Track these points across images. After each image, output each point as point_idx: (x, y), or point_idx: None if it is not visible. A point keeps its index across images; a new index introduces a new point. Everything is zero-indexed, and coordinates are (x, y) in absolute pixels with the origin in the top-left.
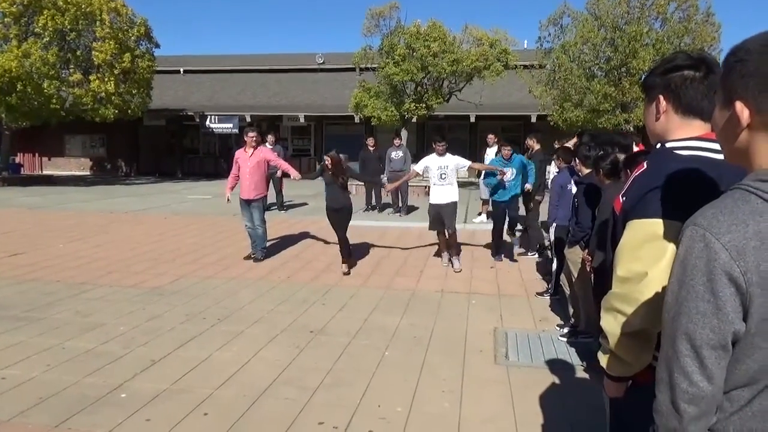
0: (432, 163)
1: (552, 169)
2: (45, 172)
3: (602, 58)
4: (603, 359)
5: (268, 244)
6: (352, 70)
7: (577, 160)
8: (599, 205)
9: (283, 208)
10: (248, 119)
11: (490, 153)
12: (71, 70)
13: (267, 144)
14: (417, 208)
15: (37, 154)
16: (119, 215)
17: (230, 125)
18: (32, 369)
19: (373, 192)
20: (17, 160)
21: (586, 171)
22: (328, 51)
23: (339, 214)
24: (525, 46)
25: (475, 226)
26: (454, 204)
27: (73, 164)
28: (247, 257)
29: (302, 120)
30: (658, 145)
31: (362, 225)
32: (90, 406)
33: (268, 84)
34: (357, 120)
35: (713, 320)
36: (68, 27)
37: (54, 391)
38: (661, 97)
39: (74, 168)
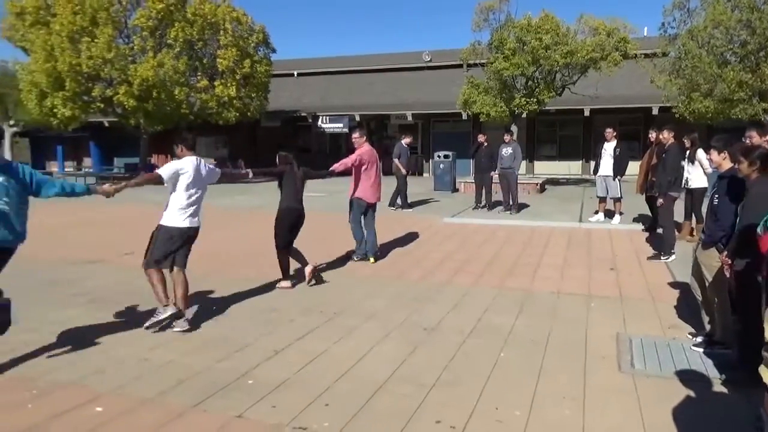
0: None
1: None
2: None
3: (736, 42)
4: (765, 372)
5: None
6: (459, 66)
7: (725, 153)
8: (744, 203)
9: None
10: (357, 118)
11: (608, 148)
12: (198, 77)
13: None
14: (528, 206)
15: (168, 156)
16: (238, 211)
17: (341, 125)
18: (171, 353)
19: (483, 190)
20: (152, 161)
21: (728, 165)
22: (435, 48)
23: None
24: (645, 34)
25: (591, 225)
26: None
27: None
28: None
29: (410, 118)
30: None
31: (472, 223)
32: (221, 390)
33: (376, 83)
34: (464, 117)
35: None
36: (196, 37)
37: (190, 374)
38: None
39: None
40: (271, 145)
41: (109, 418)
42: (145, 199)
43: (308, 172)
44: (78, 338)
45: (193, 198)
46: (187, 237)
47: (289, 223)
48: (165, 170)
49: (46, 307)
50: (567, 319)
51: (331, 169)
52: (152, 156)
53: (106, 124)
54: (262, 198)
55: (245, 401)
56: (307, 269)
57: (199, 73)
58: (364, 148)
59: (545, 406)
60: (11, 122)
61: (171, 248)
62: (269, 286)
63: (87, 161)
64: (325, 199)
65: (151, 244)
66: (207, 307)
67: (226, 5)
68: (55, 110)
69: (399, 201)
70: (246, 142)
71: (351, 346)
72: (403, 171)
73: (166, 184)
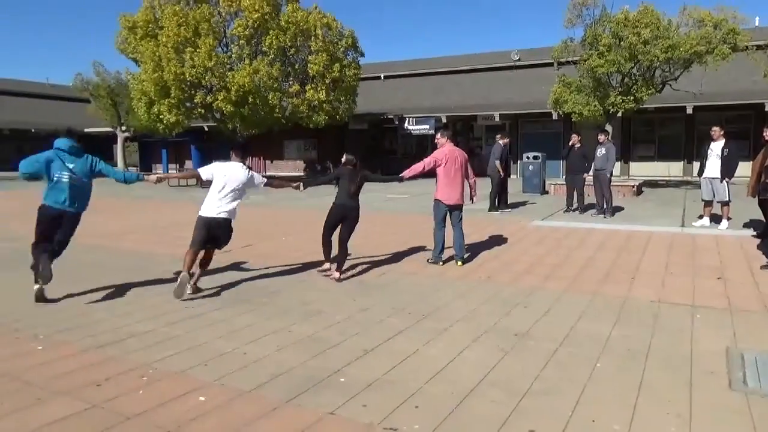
0: None
1: None
2: (268, 173)
3: None
4: None
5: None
6: (549, 65)
7: None
8: None
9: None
10: (444, 120)
11: (715, 148)
12: (290, 82)
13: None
14: (623, 209)
15: (261, 158)
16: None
17: (426, 126)
18: (266, 348)
19: (575, 192)
20: (247, 163)
21: None
22: (524, 47)
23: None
24: (757, 24)
25: (696, 231)
26: None
27: (290, 166)
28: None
29: (497, 119)
30: None
31: (563, 226)
32: (314, 386)
33: (463, 84)
34: (555, 117)
35: None
36: (289, 44)
37: (284, 369)
38: None
39: (290, 169)
40: (359, 147)
41: (211, 407)
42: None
43: (368, 176)
44: (183, 330)
45: (222, 195)
46: (210, 225)
47: (334, 217)
48: (204, 170)
49: (158, 299)
50: (669, 330)
51: (401, 175)
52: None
53: (206, 129)
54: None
55: (337, 399)
56: (324, 266)
57: (291, 79)
58: (442, 149)
59: (647, 422)
60: (123, 128)
61: (200, 233)
62: (359, 287)
63: (188, 164)
64: (408, 201)
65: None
66: (298, 306)
67: (317, 11)
68: (161, 116)
69: (497, 202)
70: (334, 144)
71: (440, 348)
72: (501, 173)
73: (205, 180)
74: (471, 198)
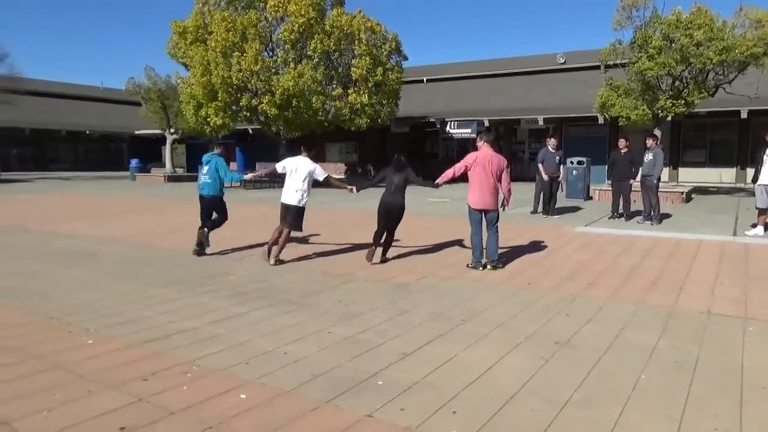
0: None
1: None
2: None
3: None
4: None
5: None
6: (596, 68)
7: None
8: None
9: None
10: (486, 123)
11: None
12: (334, 86)
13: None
14: (670, 216)
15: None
16: (370, 215)
17: (468, 130)
18: (306, 348)
19: (621, 197)
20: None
21: None
22: (570, 50)
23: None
24: None
25: (749, 240)
26: None
27: (332, 168)
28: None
29: (541, 122)
30: None
31: (607, 233)
32: (352, 388)
33: (506, 87)
34: (601, 121)
35: None
36: (333, 48)
37: (323, 370)
38: None
39: (332, 171)
40: (400, 150)
41: (252, 405)
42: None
43: (409, 176)
44: (226, 329)
45: (293, 183)
46: (283, 207)
47: (379, 211)
48: (279, 164)
49: (202, 297)
50: (719, 342)
51: (436, 182)
52: None
53: (251, 131)
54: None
55: (375, 401)
56: (372, 249)
57: (335, 82)
58: (474, 153)
59: None
60: (171, 130)
61: (281, 213)
62: (398, 290)
63: (233, 165)
64: (448, 205)
65: None
66: (337, 307)
67: (361, 16)
68: (208, 119)
69: (542, 206)
70: (375, 147)
71: (479, 354)
72: (544, 176)
73: (280, 173)
74: (502, 205)
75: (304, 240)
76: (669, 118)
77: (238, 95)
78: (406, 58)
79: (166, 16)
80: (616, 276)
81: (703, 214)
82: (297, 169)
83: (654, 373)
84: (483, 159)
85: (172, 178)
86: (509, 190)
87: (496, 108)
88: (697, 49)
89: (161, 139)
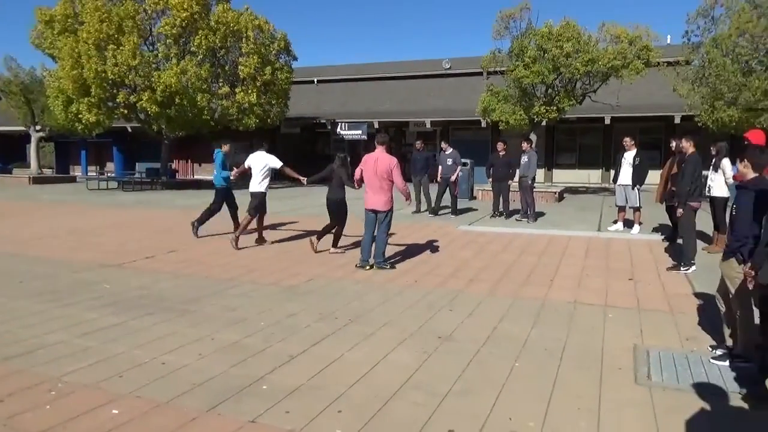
0: None
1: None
2: (196, 177)
3: (762, 50)
4: None
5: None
6: (480, 74)
7: (745, 162)
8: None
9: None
10: (376, 126)
11: (628, 157)
12: (220, 84)
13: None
14: (545, 215)
15: (189, 161)
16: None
17: (359, 132)
18: (187, 357)
19: (501, 198)
20: (173, 166)
21: (752, 175)
22: (455, 56)
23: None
24: (669, 42)
25: (610, 235)
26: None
27: None
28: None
29: (428, 125)
30: None
31: (489, 231)
32: (236, 394)
33: (395, 90)
34: (483, 125)
35: None
36: (219, 45)
37: (205, 378)
38: None
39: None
40: (291, 151)
41: (125, 421)
42: (173, 204)
43: (343, 176)
44: (98, 341)
45: (254, 175)
46: (251, 195)
47: (328, 208)
48: (246, 162)
49: (71, 309)
50: (583, 329)
51: (354, 184)
52: (173, 161)
53: (129, 130)
54: (282, 205)
55: (259, 406)
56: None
57: (221, 80)
58: (367, 156)
59: (560, 417)
60: (37, 127)
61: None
62: (286, 293)
63: (110, 166)
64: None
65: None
66: (221, 313)
67: (249, 13)
68: (80, 116)
69: (434, 205)
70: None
71: (365, 352)
72: (438, 178)
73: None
74: (407, 200)
75: (186, 245)
76: (544, 123)
77: (115, 91)
78: (295, 58)
79: (30, 1)
80: (495, 272)
81: (573, 212)
82: (256, 162)
83: (527, 360)
84: (370, 160)
85: (38, 180)
86: (404, 188)
87: (386, 110)
88: (567, 59)
89: (26, 137)
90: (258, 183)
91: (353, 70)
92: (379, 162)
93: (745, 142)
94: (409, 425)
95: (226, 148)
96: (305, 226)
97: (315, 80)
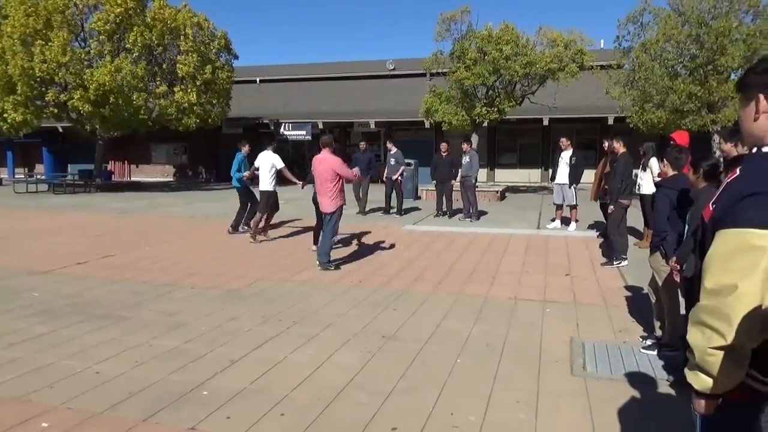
0: None
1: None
2: (133, 179)
3: (686, 55)
4: (690, 375)
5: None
6: (423, 75)
7: (665, 162)
8: (691, 210)
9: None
10: (321, 126)
11: (564, 157)
12: (158, 83)
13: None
14: (487, 213)
15: (126, 162)
16: (200, 219)
17: (303, 132)
18: (123, 365)
19: (444, 197)
20: (108, 167)
21: (671, 173)
22: (399, 57)
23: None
24: (602, 46)
25: (549, 232)
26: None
27: (158, 171)
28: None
29: (373, 126)
30: (754, 150)
31: (432, 230)
32: (175, 402)
33: (340, 91)
34: (427, 125)
35: None
36: (155, 42)
37: (142, 386)
38: (762, 96)
39: (159, 175)
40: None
41: None
42: (108, 207)
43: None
44: (27, 351)
45: (262, 174)
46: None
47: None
48: (255, 163)
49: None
50: (523, 324)
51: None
52: (109, 162)
53: (60, 130)
54: (224, 206)
55: (199, 413)
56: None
57: (158, 79)
58: (315, 157)
59: (500, 410)
60: None
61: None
62: (228, 297)
63: (39, 167)
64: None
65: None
66: (160, 318)
67: (187, 10)
68: (5, 115)
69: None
70: (207, 149)
71: (309, 354)
72: (383, 177)
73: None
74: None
75: (123, 249)
76: (485, 124)
77: (43, 89)
78: (236, 57)
79: None
80: (438, 270)
81: (514, 210)
82: (264, 161)
83: (468, 356)
84: (316, 162)
85: None
86: (351, 174)
87: (330, 111)
88: (506, 62)
89: None
90: (267, 182)
91: (297, 70)
92: (323, 163)
93: (671, 143)
94: (352, 425)
95: (246, 149)
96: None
97: (257, 80)
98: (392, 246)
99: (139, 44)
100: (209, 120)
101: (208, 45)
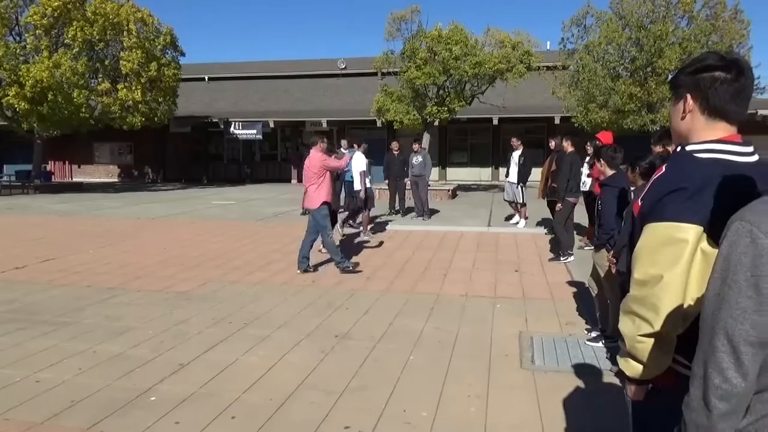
0: None
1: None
2: (75, 180)
3: (627, 58)
4: (622, 362)
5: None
6: (374, 74)
7: (602, 161)
8: (627, 208)
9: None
10: (272, 125)
11: (514, 156)
12: (100, 80)
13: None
14: (439, 212)
15: (67, 162)
16: (146, 221)
17: (254, 131)
18: (65, 372)
19: (396, 196)
20: (48, 168)
21: (610, 173)
22: (350, 56)
23: None
24: (548, 48)
25: (499, 229)
26: None
27: (102, 171)
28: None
29: (325, 125)
30: (678, 148)
31: (386, 229)
32: (120, 409)
33: (291, 90)
34: (379, 124)
35: (754, 316)
36: (97, 38)
37: (86, 394)
38: (689, 96)
39: (103, 175)
40: (181, 151)
41: None
42: (47, 209)
43: None
44: None
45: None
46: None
47: None
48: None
49: None
50: (474, 320)
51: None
52: (48, 162)
53: None
54: (171, 207)
55: (146, 419)
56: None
57: (101, 76)
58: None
59: (451, 405)
60: None
61: None
62: (177, 299)
63: None
64: (233, 207)
65: None
66: (104, 323)
67: (130, 5)
68: None
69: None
70: (153, 148)
71: (261, 356)
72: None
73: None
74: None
75: (66, 252)
76: (436, 123)
77: None
78: (183, 54)
79: None
80: (391, 269)
81: (466, 208)
82: (354, 163)
83: (421, 353)
84: (306, 162)
85: None
86: (339, 163)
87: (281, 109)
88: (456, 62)
89: None
90: (357, 181)
91: (247, 68)
92: (308, 161)
93: (597, 143)
94: (304, 425)
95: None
96: (201, 229)
97: (206, 78)
98: (344, 245)
99: (80, 39)
100: (155, 118)
101: (153, 41)
